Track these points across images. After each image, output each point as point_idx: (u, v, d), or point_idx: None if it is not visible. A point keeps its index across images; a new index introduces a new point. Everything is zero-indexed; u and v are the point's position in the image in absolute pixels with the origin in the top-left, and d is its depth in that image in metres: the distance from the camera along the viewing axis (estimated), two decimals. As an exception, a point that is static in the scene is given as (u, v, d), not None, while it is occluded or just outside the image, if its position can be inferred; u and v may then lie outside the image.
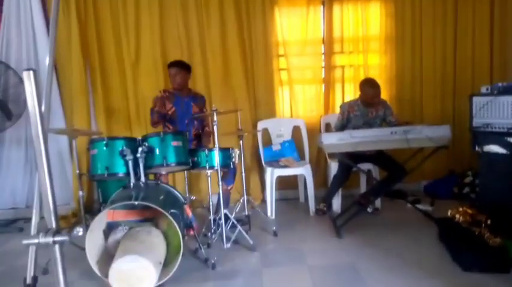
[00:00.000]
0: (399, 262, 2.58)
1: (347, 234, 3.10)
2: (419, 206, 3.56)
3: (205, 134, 3.54)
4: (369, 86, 3.40)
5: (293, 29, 4.13)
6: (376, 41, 4.19)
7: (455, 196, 3.93)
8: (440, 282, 2.29)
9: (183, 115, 3.38)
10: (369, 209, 3.60)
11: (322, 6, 4.12)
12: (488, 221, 2.69)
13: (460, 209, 2.89)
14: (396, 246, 2.83)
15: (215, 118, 2.75)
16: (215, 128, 2.77)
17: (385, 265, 2.56)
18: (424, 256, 2.65)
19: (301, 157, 4.03)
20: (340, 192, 3.68)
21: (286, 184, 4.21)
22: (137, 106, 3.99)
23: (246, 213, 3.24)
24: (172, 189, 2.86)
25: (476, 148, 3.21)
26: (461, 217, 2.83)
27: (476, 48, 4.18)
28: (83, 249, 2.25)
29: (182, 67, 3.38)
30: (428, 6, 4.12)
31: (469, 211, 2.86)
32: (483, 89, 3.23)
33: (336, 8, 4.10)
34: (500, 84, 3.14)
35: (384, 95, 4.00)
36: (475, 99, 3.20)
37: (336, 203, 3.71)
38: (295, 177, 4.12)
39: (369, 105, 3.46)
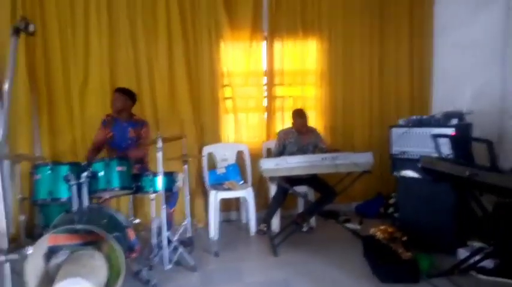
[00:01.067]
0: (327, 277, 2.87)
1: (283, 252, 3.35)
2: (349, 225, 3.92)
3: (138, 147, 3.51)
4: (297, 116, 3.81)
5: (237, 61, 4.41)
6: (312, 75, 4.58)
7: (382, 215, 4.32)
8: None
9: (120, 140, 3.46)
10: (305, 228, 3.89)
11: (264, 42, 4.46)
12: (404, 238, 3.07)
13: (382, 227, 3.23)
14: (326, 262, 3.12)
15: (160, 144, 2.92)
16: (159, 154, 2.93)
17: (315, 279, 2.84)
18: (350, 270, 2.95)
19: (245, 180, 4.26)
20: (279, 212, 3.93)
21: (230, 206, 4.41)
22: (83, 130, 3.98)
23: (189, 235, 3.39)
24: (115, 212, 2.92)
25: (395, 173, 3.65)
26: (381, 235, 3.18)
27: (399, 83, 4.71)
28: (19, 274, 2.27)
29: (123, 93, 3.48)
30: (358, 46, 4.61)
31: (389, 229, 3.20)
32: (400, 121, 3.69)
33: (277, 44, 4.46)
34: (414, 117, 3.62)
35: (319, 124, 4.41)
36: (394, 130, 3.66)
37: (275, 223, 3.95)
38: (238, 199, 4.33)
39: (301, 133, 3.82)
